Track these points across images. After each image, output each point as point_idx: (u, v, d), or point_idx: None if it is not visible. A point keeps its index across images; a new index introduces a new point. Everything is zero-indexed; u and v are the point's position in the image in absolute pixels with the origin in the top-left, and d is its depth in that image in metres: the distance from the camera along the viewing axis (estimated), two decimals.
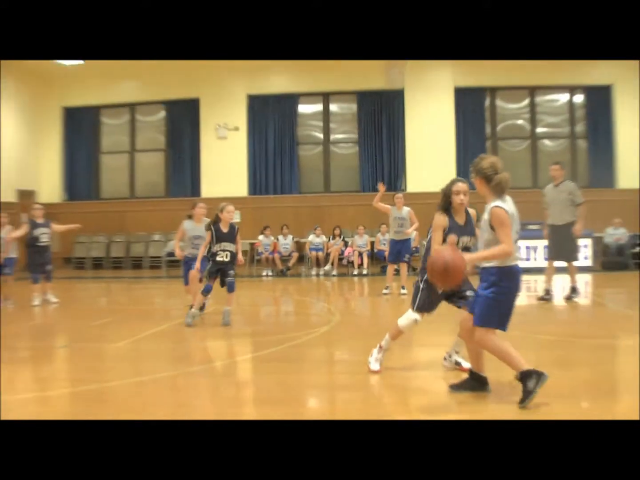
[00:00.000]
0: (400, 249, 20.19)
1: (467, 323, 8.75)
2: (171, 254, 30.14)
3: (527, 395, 8.05)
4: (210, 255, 14.69)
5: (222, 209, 14.54)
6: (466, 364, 9.42)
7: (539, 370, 8.10)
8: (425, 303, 9.61)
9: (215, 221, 14.61)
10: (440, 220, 9.56)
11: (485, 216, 8.36)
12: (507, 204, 8.30)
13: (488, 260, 8.34)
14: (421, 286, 9.72)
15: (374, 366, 9.54)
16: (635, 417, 5.73)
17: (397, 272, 20.71)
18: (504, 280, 8.19)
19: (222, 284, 14.99)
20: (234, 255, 14.89)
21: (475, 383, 8.89)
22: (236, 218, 16.66)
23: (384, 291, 20.52)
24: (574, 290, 16.94)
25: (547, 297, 17.04)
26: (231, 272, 14.94)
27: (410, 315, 9.70)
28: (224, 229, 14.56)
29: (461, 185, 9.58)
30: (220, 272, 14.83)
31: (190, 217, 16.55)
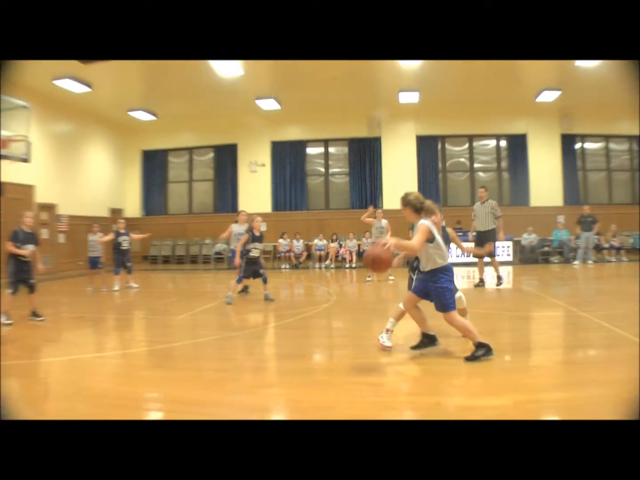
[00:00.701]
0: None
1: (411, 299, 9.07)
2: (218, 253, 30.15)
3: (473, 358, 8.30)
4: (245, 252, 15.02)
5: (253, 220, 15.21)
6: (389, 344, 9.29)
7: (489, 346, 8.37)
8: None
9: (251, 228, 15.09)
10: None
11: (416, 230, 8.53)
12: (429, 222, 8.54)
13: (403, 248, 8.57)
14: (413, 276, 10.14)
15: (387, 343, 9.23)
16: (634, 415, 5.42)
17: None
18: (446, 275, 8.53)
19: (255, 276, 15.38)
20: (261, 253, 15.49)
21: (428, 340, 9.18)
22: (263, 227, 16.75)
23: (367, 279, 20.83)
24: (499, 278, 17.10)
25: (480, 284, 17.27)
26: (262, 270, 15.39)
27: None
28: (256, 233, 15.04)
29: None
30: (253, 271, 15.30)
31: (236, 221, 17.37)
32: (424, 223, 8.45)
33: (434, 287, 8.59)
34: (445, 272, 8.59)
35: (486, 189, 17.81)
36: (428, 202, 8.97)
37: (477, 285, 17.30)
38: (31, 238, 12.92)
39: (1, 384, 6.07)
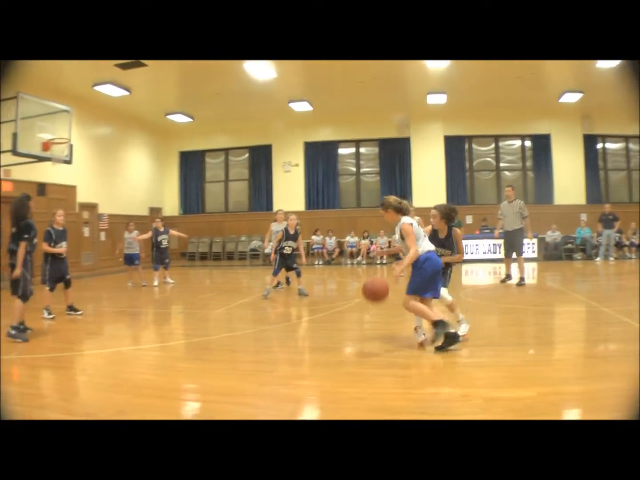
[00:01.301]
0: None
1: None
2: (253, 250, 30.21)
3: (435, 335, 8.63)
4: (280, 249, 15.20)
5: (287, 218, 15.39)
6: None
7: (444, 321, 8.64)
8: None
9: (286, 226, 15.30)
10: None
11: (397, 230, 9.25)
12: (410, 219, 9.18)
13: (410, 264, 8.97)
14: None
15: (420, 338, 9.24)
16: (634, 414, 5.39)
17: None
18: (422, 263, 8.85)
19: (288, 269, 15.70)
20: (294, 250, 15.47)
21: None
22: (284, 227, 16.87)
23: (402, 275, 20.42)
24: (522, 279, 16.76)
25: (507, 279, 17.08)
26: (295, 265, 15.54)
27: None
28: (291, 231, 15.16)
29: (433, 212, 10.25)
30: (286, 264, 15.46)
31: (275, 220, 17.59)
32: (405, 222, 9.09)
33: (412, 272, 9.12)
34: (422, 261, 8.89)
35: (513, 188, 17.48)
36: (406, 203, 9.55)
37: (503, 281, 17.12)
38: (63, 235, 12.97)
39: (1, 384, 6.06)
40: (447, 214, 10.03)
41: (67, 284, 13.03)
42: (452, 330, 8.77)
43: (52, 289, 12.72)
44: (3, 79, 4.93)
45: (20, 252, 10.16)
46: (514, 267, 17.52)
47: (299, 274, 15.62)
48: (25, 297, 10.37)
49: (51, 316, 12.53)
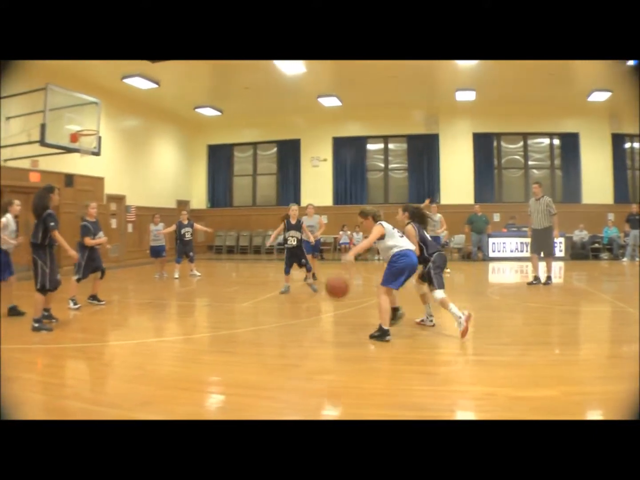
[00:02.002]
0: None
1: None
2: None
3: (373, 337, 9.52)
4: (283, 241, 14.99)
5: (289, 209, 15.04)
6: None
7: (388, 332, 9.43)
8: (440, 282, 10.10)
9: (286, 217, 14.98)
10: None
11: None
12: (385, 223, 10.08)
13: (361, 250, 10.86)
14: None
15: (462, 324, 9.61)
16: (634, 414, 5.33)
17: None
18: (396, 259, 9.62)
19: (300, 265, 15.19)
20: (300, 241, 15.08)
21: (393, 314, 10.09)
22: (324, 220, 16.79)
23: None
24: (549, 278, 16.44)
25: (535, 282, 16.57)
26: (304, 260, 15.10)
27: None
28: (292, 221, 14.85)
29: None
30: (294, 259, 15.09)
31: (305, 215, 17.39)
32: (379, 225, 10.01)
33: (387, 267, 9.77)
34: (397, 256, 9.64)
35: (540, 184, 17.05)
36: (379, 211, 10.49)
37: (530, 283, 16.60)
38: (98, 227, 13.04)
39: (1, 384, 6.06)
40: (413, 213, 11.04)
41: (103, 274, 13.13)
42: (387, 329, 9.48)
43: (80, 280, 12.77)
44: (3, 78, 4.91)
45: (60, 239, 10.36)
46: (542, 266, 17.38)
47: (309, 269, 15.41)
48: (43, 290, 10.39)
49: (77, 306, 12.60)
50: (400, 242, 9.79)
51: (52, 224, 10.25)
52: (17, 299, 12.05)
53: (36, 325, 10.22)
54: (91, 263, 12.82)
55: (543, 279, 16.58)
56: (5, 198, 12.73)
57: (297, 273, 16.29)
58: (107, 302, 13.18)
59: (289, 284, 15.32)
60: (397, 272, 9.57)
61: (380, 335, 9.43)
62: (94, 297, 13.15)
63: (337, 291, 10.08)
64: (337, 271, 11.02)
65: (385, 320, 9.50)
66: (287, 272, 15.22)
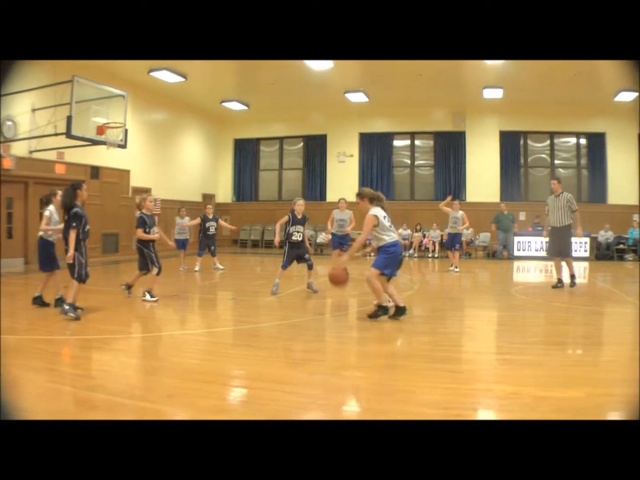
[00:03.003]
0: (453, 239, 20.78)
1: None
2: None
3: (373, 316, 10.72)
4: (287, 236, 14.42)
5: (295, 203, 14.61)
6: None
7: (387, 308, 10.69)
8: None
9: (292, 210, 14.52)
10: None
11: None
12: (377, 211, 10.86)
13: (358, 249, 11.49)
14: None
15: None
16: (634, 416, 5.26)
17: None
18: (389, 247, 10.61)
19: (299, 260, 14.68)
20: (303, 237, 14.57)
21: (382, 311, 10.84)
22: (346, 215, 16.70)
23: (452, 268, 20.78)
24: (573, 277, 15.82)
25: (559, 285, 15.82)
26: (307, 255, 14.64)
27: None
28: (298, 215, 14.40)
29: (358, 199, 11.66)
30: (297, 253, 14.50)
31: (337, 209, 17.32)
32: (370, 214, 10.82)
33: (379, 254, 10.68)
34: (388, 246, 10.61)
35: (559, 180, 16.27)
36: (378, 194, 11.36)
37: (555, 287, 15.83)
38: (153, 221, 13.07)
39: (1, 384, 6.08)
40: (371, 197, 11.43)
41: (160, 269, 13.06)
42: (386, 305, 10.70)
43: (146, 273, 12.89)
44: (3, 77, 4.88)
45: (71, 239, 10.60)
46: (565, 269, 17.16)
47: (310, 267, 14.75)
48: (80, 279, 10.79)
49: (154, 299, 12.68)
50: (393, 234, 10.81)
51: (74, 224, 10.61)
52: (39, 290, 12.10)
53: (67, 307, 10.55)
54: (154, 256, 12.89)
55: (566, 279, 16.08)
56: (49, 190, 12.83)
57: (321, 269, 16.25)
58: (132, 294, 13.21)
59: (280, 281, 14.63)
60: (389, 259, 10.54)
61: (381, 313, 10.69)
62: (129, 286, 13.17)
63: (338, 280, 11.26)
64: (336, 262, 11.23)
65: (381, 298, 10.61)
66: (285, 267, 14.53)
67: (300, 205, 14.50)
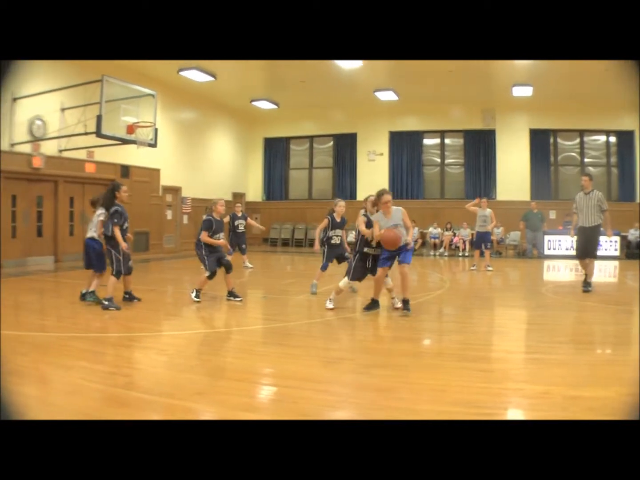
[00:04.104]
0: (483, 238, 20.53)
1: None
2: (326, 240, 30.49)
3: (368, 308, 11.50)
4: (327, 239, 14.16)
5: (336, 204, 14.26)
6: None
7: (378, 303, 11.59)
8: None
9: (331, 212, 14.19)
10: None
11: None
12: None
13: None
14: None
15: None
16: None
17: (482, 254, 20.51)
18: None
19: (340, 260, 14.45)
20: (342, 240, 14.36)
21: (374, 305, 11.73)
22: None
23: (472, 268, 20.78)
24: (588, 284, 14.81)
25: (589, 288, 14.76)
26: (347, 254, 14.19)
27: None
28: (337, 219, 14.07)
29: (387, 197, 11.32)
30: (336, 254, 14.26)
31: (364, 207, 16.62)
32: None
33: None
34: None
35: (591, 177, 15.35)
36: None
37: (586, 290, 14.75)
38: (221, 226, 13.06)
39: (1, 384, 6.08)
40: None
41: (229, 269, 13.03)
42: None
43: (211, 277, 12.78)
44: (4, 78, 4.88)
45: (117, 235, 11.51)
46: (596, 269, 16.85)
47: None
48: (118, 275, 11.67)
49: (198, 299, 12.62)
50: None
51: (115, 220, 11.50)
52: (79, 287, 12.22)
53: (106, 303, 11.37)
54: (214, 259, 12.76)
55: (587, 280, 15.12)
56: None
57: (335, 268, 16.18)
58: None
59: (318, 282, 14.63)
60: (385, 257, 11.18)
61: (372, 306, 11.61)
62: (230, 294, 13.09)
63: (391, 242, 10.87)
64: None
65: (377, 293, 11.55)
66: (324, 268, 14.37)
67: (341, 207, 14.13)
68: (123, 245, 11.56)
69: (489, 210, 20.27)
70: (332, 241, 14.01)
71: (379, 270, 11.13)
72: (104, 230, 11.70)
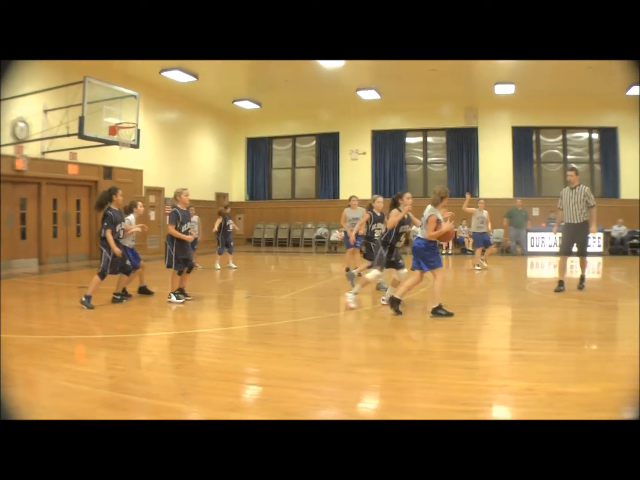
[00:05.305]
0: (482, 239, 20.40)
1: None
2: (319, 237, 30.41)
3: (435, 313, 10.76)
4: (370, 234, 13.91)
5: (374, 200, 14.19)
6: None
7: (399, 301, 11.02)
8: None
9: (370, 207, 14.13)
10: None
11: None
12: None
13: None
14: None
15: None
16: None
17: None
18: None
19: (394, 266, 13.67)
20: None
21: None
22: (359, 214, 16.66)
23: (477, 267, 20.43)
24: (582, 279, 14.62)
25: (561, 288, 14.38)
26: (400, 260, 13.26)
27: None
28: (377, 213, 13.98)
29: (409, 195, 12.10)
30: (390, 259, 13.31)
31: (349, 206, 16.89)
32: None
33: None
34: None
35: (576, 172, 14.76)
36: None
37: (557, 290, 14.39)
38: (188, 217, 13.35)
39: (1, 384, 6.07)
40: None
41: (190, 269, 13.07)
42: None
43: (179, 273, 12.72)
44: (3, 77, 4.87)
45: (109, 238, 11.89)
46: (571, 269, 16.85)
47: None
48: (103, 274, 12.01)
49: (179, 301, 12.55)
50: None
51: (105, 223, 11.87)
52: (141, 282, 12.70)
53: (83, 299, 11.76)
54: (182, 255, 12.73)
55: (566, 281, 14.70)
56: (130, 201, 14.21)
57: (337, 266, 16.20)
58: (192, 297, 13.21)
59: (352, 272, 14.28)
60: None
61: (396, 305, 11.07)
62: (181, 291, 13.02)
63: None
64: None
65: (402, 293, 11.26)
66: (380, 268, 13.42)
67: (379, 202, 14.15)
68: (116, 250, 11.84)
69: (485, 211, 20.23)
70: (376, 235, 13.84)
71: (418, 273, 11.33)
72: (99, 233, 12.15)
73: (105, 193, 12.48)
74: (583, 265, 14.76)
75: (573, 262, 15.99)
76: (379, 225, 13.85)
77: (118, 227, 12.23)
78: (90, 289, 11.74)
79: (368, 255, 13.66)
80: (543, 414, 5.45)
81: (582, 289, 14.38)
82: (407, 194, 12.11)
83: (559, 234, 15.44)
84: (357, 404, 6.05)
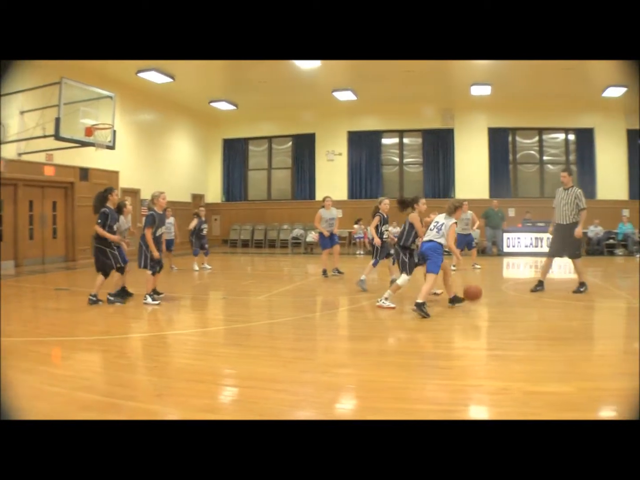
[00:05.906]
0: (465, 240, 20.39)
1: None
2: (295, 238, 30.44)
3: (419, 308, 10.73)
4: (381, 235, 14.11)
5: (381, 202, 14.47)
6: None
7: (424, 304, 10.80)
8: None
9: (377, 209, 14.35)
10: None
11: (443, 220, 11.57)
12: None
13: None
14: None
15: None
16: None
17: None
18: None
19: (388, 256, 14.39)
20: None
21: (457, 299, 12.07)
22: (339, 214, 16.74)
23: (477, 266, 20.74)
24: (582, 285, 14.28)
25: (539, 288, 14.41)
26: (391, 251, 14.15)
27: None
28: (385, 215, 14.26)
29: (424, 200, 12.48)
30: (386, 251, 14.25)
31: (323, 206, 17.12)
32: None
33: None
34: None
35: (570, 172, 14.97)
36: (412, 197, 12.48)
37: (534, 290, 14.42)
38: (164, 220, 13.87)
39: (1, 384, 6.08)
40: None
41: (160, 269, 13.27)
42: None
43: (154, 274, 12.86)
44: (3, 77, 4.87)
45: (102, 234, 12.33)
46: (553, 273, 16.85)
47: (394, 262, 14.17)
48: (105, 274, 12.58)
49: (156, 302, 12.55)
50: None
51: (99, 221, 12.22)
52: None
53: (92, 298, 12.41)
54: (156, 259, 12.82)
55: (545, 282, 14.69)
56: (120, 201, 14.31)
57: (314, 267, 16.22)
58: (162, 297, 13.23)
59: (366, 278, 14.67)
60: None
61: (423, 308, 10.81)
62: (156, 292, 13.14)
63: (474, 295, 11.81)
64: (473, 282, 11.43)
65: (424, 295, 10.97)
66: (375, 264, 14.42)
67: (386, 204, 14.47)
68: (113, 238, 12.47)
69: (470, 212, 20.12)
70: (384, 237, 14.17)
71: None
72: (94, 234, 12.53)
73: (100, 194, 12.72)
74: (578, 269, 14.56)
75: (540, 262, 16.05)
76: (387, 226, 14.28)
77: (115, 226, 12.61)
78: (112, 288, 12.75)
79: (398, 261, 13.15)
80: (518, 414, 5.49)
81: (581, 292, 14.17)
82: (423, 200, 12.56)
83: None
84: (332, 405, 6.05)
